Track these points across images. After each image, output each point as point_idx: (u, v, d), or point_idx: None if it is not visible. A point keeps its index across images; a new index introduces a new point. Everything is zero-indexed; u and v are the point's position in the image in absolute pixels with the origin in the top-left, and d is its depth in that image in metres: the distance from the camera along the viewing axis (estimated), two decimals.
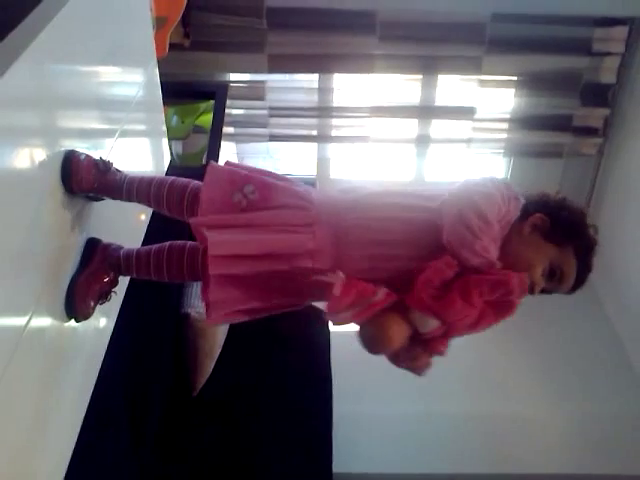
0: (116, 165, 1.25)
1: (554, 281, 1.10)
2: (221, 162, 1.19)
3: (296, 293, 1.10)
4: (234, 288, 1.06)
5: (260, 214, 1.07)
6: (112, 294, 1.19)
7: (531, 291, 1.08)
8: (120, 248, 1.21)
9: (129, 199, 1.20)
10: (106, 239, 1.21)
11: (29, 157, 0.97)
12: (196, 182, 1.18)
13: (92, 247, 1.18)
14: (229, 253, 1.04)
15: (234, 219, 1.07)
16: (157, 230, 1.48)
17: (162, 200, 1.17)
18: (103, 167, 1.16)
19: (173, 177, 1.21)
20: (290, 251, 1.05)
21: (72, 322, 1.13)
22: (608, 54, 3.00)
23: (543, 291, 1.12)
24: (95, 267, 1.16)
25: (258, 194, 1.08)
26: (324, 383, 2.26)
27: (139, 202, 1.21)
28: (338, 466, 2.10)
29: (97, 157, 1.16)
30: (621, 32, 2.94)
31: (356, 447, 2.51)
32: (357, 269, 1.06)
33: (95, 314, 1.16)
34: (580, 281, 1.12)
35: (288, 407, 2.17)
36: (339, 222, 1.08)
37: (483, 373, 2.84)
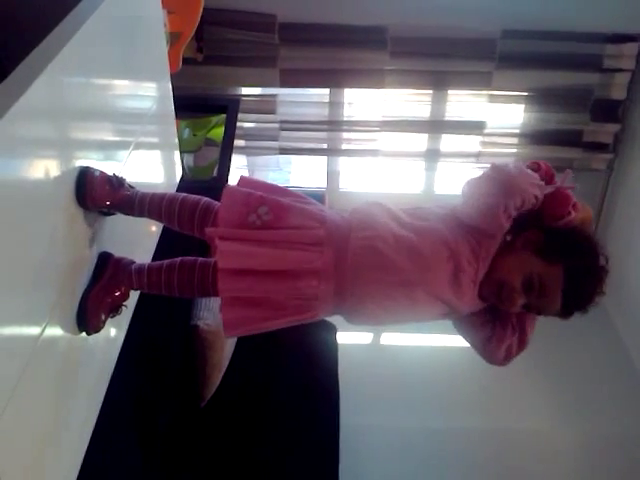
0: (129, 178, 1.27)
1: (533, 293, 1.09)
2: (236, 177, 1.21)
3: (308, 310, 1.12)
4: (245, 308, 1.09)
5: (272, 232, 1.10)
6: (123, 307, 1.21)
7: (510, 299, 1.09)
8: (132, 262, 1.22)
9: (141, 215, 1.22)
10: (118, 253, 1.23)
11: (45, 172, 0.99)
12: (206, 199, 1.21)
13: (104, 261, 1.20)
14: (237, 267, 1.06)
15: (247, 234, 1.09)
16: (168, 245, 1.49)
17: (174, 216, 1.19)
18: (117, 183, 1.18)
19: (184, 194, 1.23)
20: (297, 267, 1.07)
21: (83, 334, 1.14)
22: (619, 70, 3.01)
23: (531, 309, 1.12)
24: (107, 281, 1.17)
25: (272, 215, 1.10)
26: (331, 395, 2.26)
27: (150, 218, 1.23)
28: (345, 478, 2.10)
29: (110, 173, 1.18)
30: (632, 49, 2.96)
31: (363, 459, 2.51)
32: (366, 292, 1.10)
33: (106, 326, 1.18)
34: (572, 304, 1.10)
35: (295, 418, 2.17)
36: (348, 244, 1.10)
37: (492, 389, 2.83)
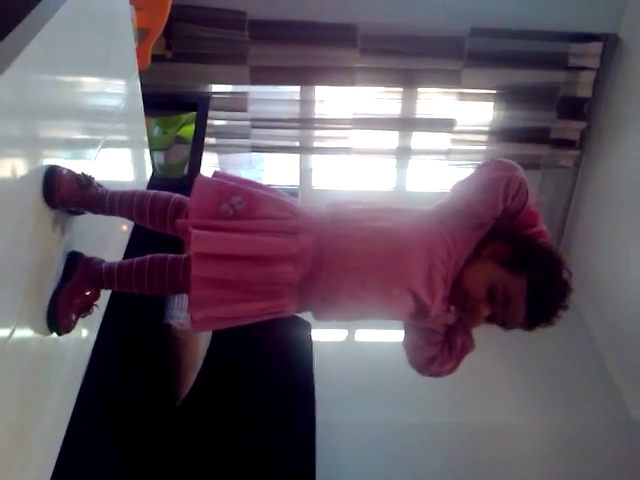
0: (99, 176, 1.25)
1: (497, 304, 1.10)
2: (209, 172, 1.20)
3: (279, 297, 1.11)
4: (216, 289, 1.07)
5: (246, 222, 1.09)
6: (94, 307, 1.19)
7: (475, 310, 1.11)
8: (102, 262, 1.21)
9: (111, 213, 1.20)
10: (88, 253, 1.21)
11: (12, 170, 0.97)
12: (178, 195, 1.19)
13: (74, 261, 1.18)
14: (213, 251, 1.06)
15: (220, 224, 1.08)
16: (139, 243, 1.48)
17: (144, 213, 1.18)
18: (85, 181, 1.16)
19: (155, 191, 1.21)
20: (273, 253, 1.07)
21: (54, 335, 1.12)
22: (584, 69, 3.08)
23: (495, 320, 1.13)
24: (77, 281, 1.15)
25: (245, 204, 1.10)
26: (307, 392, 2.26)
27: (121, 216, 1.22)
28: (321, 474, 2.11)
29: (79, 172, 1.16)
30: (596, 47, 3.02)
31: (339, 455, 2.52)
32: (341, 280, 1.09)
33: (77, 326, 1.16)
34: (535, 315, 1.11)
35: (271, 416, 2.17)
36: (324, 232, 1.10)
37: (463, 383, 2.85)
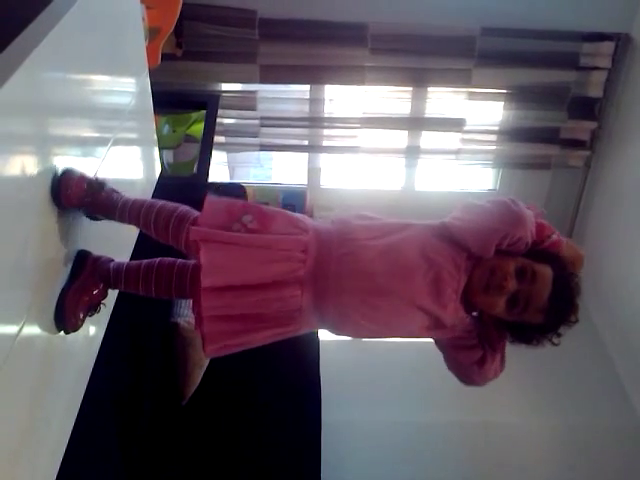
0: (108, 174, 1.25)
1: (525, 281, 1.10)
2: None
3: (290, 324, 1.12)
4: (227, 322, 1.09)
5: (256, 236, 1.09)
6: (101, 306, 1.20)
7: (501, 285, 1.09)
8: (110, 261, 1.21)
9: (122, 220, 1.20)
10: (96, 252, 1.22)
11: (23, 169, 0.98)
12: (184, 207, 1.18)
13: (82, 259, 1.18)
14: (220, 284, 1.06)
15: (230, 237, 1.08)
16: (147, 244, 1.48)
17: (149, 224, 1.18)
18: (97, 186, 1.16)
19: (163, 201, 1.20)
20: (281, 278, 1.07)
21: (62, 333, 1.13)
22: (595, 69, 3.05)
23: (517, 301, 1.11)
24: (85, 279, 1.16)
25: (257, 223, 1.09)
26: (313, 391, 2.26)
27: (130, 224, 1.21)
28: (327, 474, 2.11)
29: (92, 176, 1.16)
30: (608, 47, 2.99)
31: (344, 455, 2.52)
32: (349, 301, 1.10)
33: (84, 324, 1.16)
34: (559, 298, 1.11)
35: (277, 416, 2.17)
36: (331, 252, 1.10)
37: None
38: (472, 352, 1.16)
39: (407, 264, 1.10)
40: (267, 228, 1.09)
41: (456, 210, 1.18)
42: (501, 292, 1.10)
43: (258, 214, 1.11)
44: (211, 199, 1.13)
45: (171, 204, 1.19)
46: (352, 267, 1.10)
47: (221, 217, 1.10)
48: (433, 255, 1.11)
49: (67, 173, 1.11)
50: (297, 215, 1.16)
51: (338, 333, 1.17)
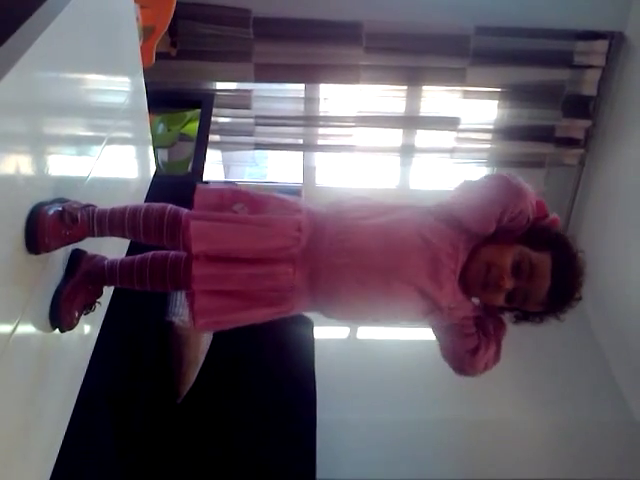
0: (103, 173, 1.25)
1: (523, 278, 1.09)
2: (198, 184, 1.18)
3: (283, 303, 1.11)
4: (219, 298, 1.08)
5: (250, 216, 1.09)
6: (96, 305, 1.20)
7: (498, 282, 1.09)
8: (104, 259, 1.21)
9: (102, 234, 1.14)
10: (90, 250, 1.22)
11: (17, 167, 0.98)
12: (172, 206, 1.15)
13: (76, 258, 1.18)
14: (212, 253, 1.05)
15: (224, 216, 1.08)
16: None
17: (138, 229, 1.14)
18: (69, 220, 1.06)
19: (146, 204, 1.18)
20: (274, 255, 1.07)
21: (57, 332, 1.13)
22: (589, 67, 3.06)
23: (516, 297, 1.11)
24: (79, 278, 1.16)
25: (248, 209, 1.10)
26: (308, 390, 2.27)
27: (113, 236, 1.16)
28: (322, 472, 2.11)
29: (60, 209, 1.05)
30: (602, 46, 3.00)
31: (339, 454, 2.52)
32: (341, 278, 1.10)
33: (79, 323, 1.17)
34: (559, 291, 1.10)
35: (272, 414, 2.17)
36: (325, 229, 1.11)
37: (464, 381, 2.86)
38: (467, 340, 1.15)
39: (404, 243, 1.10)
40: (259, 212, 1.10)
41: (454, 190, 1.17)
42: (498, 290, 1.10)
43: (249, 201, 1.11)
44: (201, 188, 1.12)
45: (156, 204, 1.16)
46: (346, 246, 1.10)
47: (212, 206, 1.09)
48: (430, 236, 1.10)
49: (40, 217, 1.01)
50: (290, 197, 1.15)
51: (330, 315, 1.17)
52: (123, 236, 1.18)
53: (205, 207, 1.10)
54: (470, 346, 1.15)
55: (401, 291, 1.11)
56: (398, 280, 1.10)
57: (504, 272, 1.09)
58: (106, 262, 1.20)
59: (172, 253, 1.19)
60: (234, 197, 1.11)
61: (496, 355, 1.18)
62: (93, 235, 1.14)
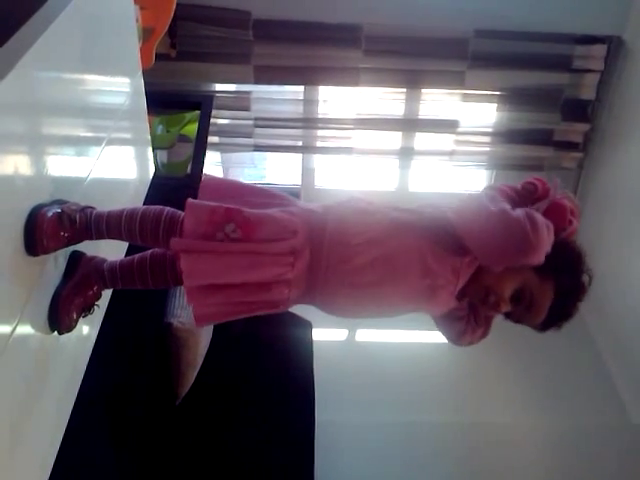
0: (102, 174, 1.25)
1: (521, 305, 1.11)
2: (203, 177, 1.18)
3: (277, 307, 1.14)
4: (218, 306, 1.10)
5: (242, 244, 1.06)
6: (95, 307, 1.19)
7: (495, 307, 1.11)
8: (103, 261, 1.20)
9: (100, 237, 1.13)
10: (90, 252, 1.21)
11: (15, 168, 0.98)
12: (169, 210, 1.13)
13: (76, 260, 1.17)
14: (205, 283, 1.07)
15: (215, 246, 1.05)
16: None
17: (135, 232, 1.12)
18: (67, 222, 1.05)
19: (143, 207, 1.16)
20: (270, 280, 1.08)
21: (55, 334, 1.13)
22: (588, 71, 3.07)
23: (511, 317, 1.15)
24: (79, 280, 1.15)
25: (240, 232, 1.06)
26: (306, 392, 2.27)
27: (110, 238, 1.15)
28: (320, 474, 2.11)
29: (59, 211, 1.04)
30: (600, 50, 3.01)
31: (338, 455, 2.52)
32: (335, 292, 1.12)
33: (78, 325, 1.16)
34: (552, 320, 1.12)
35: (271, 416, 2.17)
36: (322, 246, 1.11)
37: (464, 384, 2.86)
38: (456, 323, 1.20)
39: (406, 273, 1.11)
40: (251, 238, 1.06)
41: (462, 204, 1.13)
42: (495, 310, 1.14)
43: (242, 222, 1.06)
44: (192, 204, 1.07)
45: (153, 207, 1.14)
46: (345, 268, 1.11)
47: (203, 225, 1.06)
48: (431, 261, 1.10)
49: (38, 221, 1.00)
50: (286, 213, 1.12)
51: (327, 312, 1.20)
52: (120, 239, 1.17)
53: (195, 229, 1.06)
54: (458, 329, 1.21)
55: (396, 307, 1.17)
56: (393, 299, 1.15)
57: (502, 300, 1.11)
58: (105, 264, 1.20)
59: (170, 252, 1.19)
60: (226, 216, 1.06)
61: (484, 334, 1.22)
62: (91, 238, 1.13)
